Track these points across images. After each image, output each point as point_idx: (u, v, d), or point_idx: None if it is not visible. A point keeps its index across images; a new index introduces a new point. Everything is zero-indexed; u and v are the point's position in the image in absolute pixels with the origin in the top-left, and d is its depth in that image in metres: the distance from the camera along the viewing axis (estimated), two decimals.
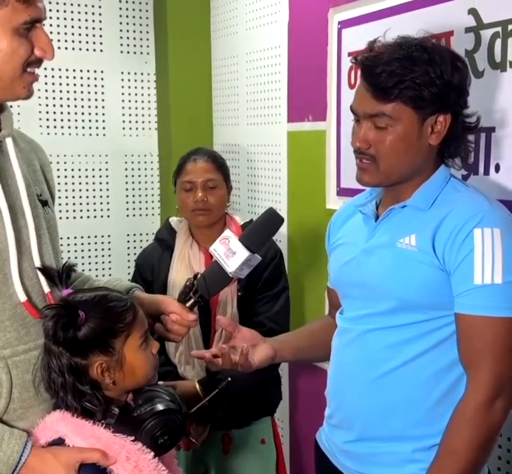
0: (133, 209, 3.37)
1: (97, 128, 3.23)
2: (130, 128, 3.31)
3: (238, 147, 2.98)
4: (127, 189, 3.35)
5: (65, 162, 3.15)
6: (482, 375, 1.33)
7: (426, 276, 1.38)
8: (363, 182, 1.47)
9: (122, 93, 3.26)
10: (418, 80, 1.33)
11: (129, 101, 3.28)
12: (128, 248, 3.35)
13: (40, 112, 3.08)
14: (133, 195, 3.36)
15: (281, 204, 2.66)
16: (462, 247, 1.34)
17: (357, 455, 1.50)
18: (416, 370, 1.41)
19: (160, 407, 1.29)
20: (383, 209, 1.50)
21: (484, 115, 1.65)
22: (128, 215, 3.36)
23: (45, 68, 3.06)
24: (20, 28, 1.23)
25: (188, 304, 1.48)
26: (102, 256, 3.31)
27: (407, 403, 1.42)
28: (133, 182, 3.35)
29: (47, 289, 1.32)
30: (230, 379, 1.51)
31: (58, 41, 3.07)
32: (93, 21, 3.16)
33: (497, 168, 1.66)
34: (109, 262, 3.33)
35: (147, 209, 3.40)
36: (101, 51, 3.20)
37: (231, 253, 1.42)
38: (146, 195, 3.39)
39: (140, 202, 3.38)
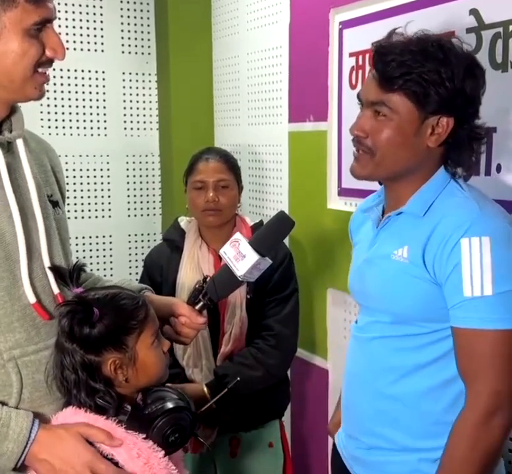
0: (135, 209, 3.37)
1: (98, 128, 3.23)
2: (132, 128, 3.31)
3: (239, 147, 2.98)
4: (128, 190, 3.35)
5: (66, 163, 3.15)
6: (479, 391, 1.29)
7: (418, 290, 1.36)
8: (354, 173, 1.45)
9: (123, 94, 3.27)
10: (426, 76, 1.30)
11: (131, 101, 3.29)
12: (130, 248, 3.35)
13: (41, 112, 3.08)
14: (135, 195, 3.36)
15: (283, 204, 2.66)
16: (450, 258, 1.30)
17: (367, 463, 1.49)
18: (420, 382, 1.39)
19: (170, 405, 1.29)
20: (385, 215, 1.48)
21: (485, 116, 1.65)
22: (129, 215, 3.36)
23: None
24: (30, 29, 1.23)
25: (197, 307, 1.47)
26: (104, 256, 3.32)
27: (410, 415, 1.40)
28: (134, 182, 3.36)
29: (56, 290, 1.33)
30: (238, 379, 1.50)
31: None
32: (95, 21, 3.16)
33: (498, 169, 1.66)
34: (111, 262, 3.33)
35: (148, 209, 3.40)
36: (102, 51, 3.20)
37: (241, 257, 1.40)
38: (147, 195, 3.39)
39: (141, 202, 3.38)
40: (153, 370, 1.32)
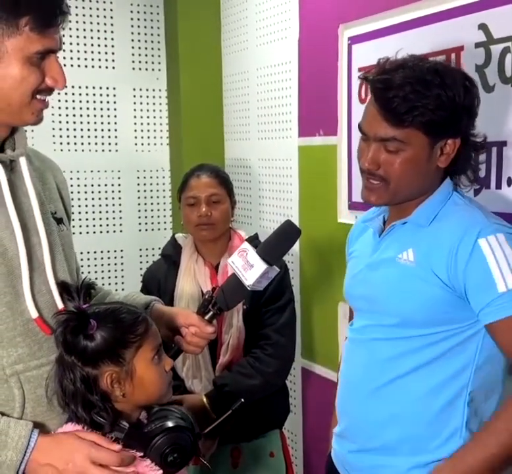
0: (146, 223, 3.39)
1: (109, 143, 3.25)
2: (142, 144, 3.33)
3: (249, 161, 3.00)
4: (139, 204, 3.37)
5: (78, 178, 3.17)
6: None
7: (425, 293, 1.39)
8: (370, 201, 1.47)
9: (134, 110, 3.29)
10: (430, 106, 1.33)
11: (141, 116, 3.31)
12: (141, 262, 3.36)
13: (53, 129, 3.11)
14: (146, 210, 3.38)
15: (293, 218, 2.66)
16: (471, 262, 1.33)
17: (358, 467, 1.52)
18: (415, 383, 1.42)
19: (170, 424, 1.28)
20: (388, 224, 1.52)
21: (495, 129, 1.66)
22: (140, 230, 3.38)
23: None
24: (32, 57, 1.23)
25: (207, 317, 1.49)
26: (115, 271, 3.33)
27: (405, 416, 1.43)
28: (145, 197, 3.37)
29: (60, 305, 1.33)
30: (242, 400, 1.50)
31: (71, 58, 3.11)
32: (105, 38, 3.20)
33: (509, 182, 1.67)
34: (122, 276, 3.34)
35: (159, 223, 3.41)
36: (113, 68, 3.23)
37: (249, 266, 1.41)
38: (158, 210, 3.41)
39: (152, 216, 3.40)
40: (152, 386, 1.30)
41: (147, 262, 3.34)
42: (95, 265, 3.27)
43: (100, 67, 3.20)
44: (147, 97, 3.31)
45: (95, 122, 3.21)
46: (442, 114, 1.34)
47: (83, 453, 1.20)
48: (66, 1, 1.27)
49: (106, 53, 3.20)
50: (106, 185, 3.27)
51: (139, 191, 3.36)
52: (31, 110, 1.28)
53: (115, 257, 3.32)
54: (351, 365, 1.56)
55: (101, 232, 3.28)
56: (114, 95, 3.24)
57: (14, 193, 1.30)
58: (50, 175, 1.47)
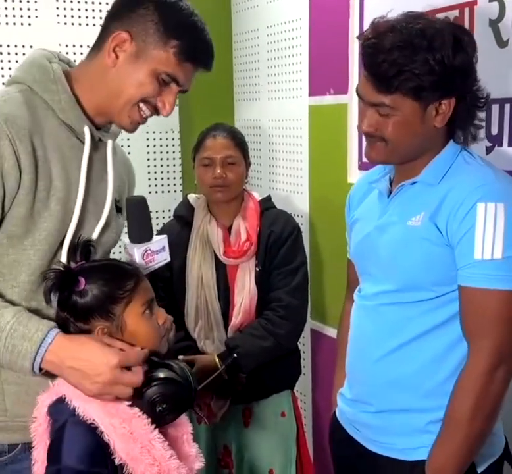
0: (155, 185, 3.38)
1: None
2: None
3: (259, 121, 2.97)
4: (149, 166, 3.35)
5: None
6: (483, 346, 1.35)
7: (428, 253, 1.40)
8: (371, 159, 1.49)
9: None
10: (417, 71, 1.33)
11: None
12: None
13: None
14: (155, 172, 3.36)
15: (303, 179, 2.65)
16: (464, 220, 1.35)
17: (374, 426, 1.54)
18: (428, 344, 1.44)
19: (161, 375, 1.29)
20: (395, 185, 1.52)
21: (509, 85, 1.63)
22: (150, 192, 3.36)
23: (66, 45, 3.06)
24: (160, 74, 1.35)
25: None
26: (126, 233, 3.33)
27: (420, 376, 1.45)
28: (155, 159, 3.36)
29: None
30: (235, 355, 1.52)
31: (72, 17, 3.06)
32: None
33: None
34: None
35: (169, 185, 3.40)
36: None
37: (130, 256, 1.46)
38: (168, 172, 3.39)
39: (162, 178, 3.38)
40: (143, 340, 1.32)
41: (157, 224, 3.33)
42: None
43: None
44: None
45: None
46: (430, 79, 1.34)
47: (113, 363, 1.22)
48: (213, 61, 1.45)
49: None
50: None
51: (148, 152, 3.33)
52: (129, 114, 1.39)
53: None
54: (361, 331, 1.58)
55: None
56: None
57: (90, 165, 1.40)
58: (124, 171, 1.59)
